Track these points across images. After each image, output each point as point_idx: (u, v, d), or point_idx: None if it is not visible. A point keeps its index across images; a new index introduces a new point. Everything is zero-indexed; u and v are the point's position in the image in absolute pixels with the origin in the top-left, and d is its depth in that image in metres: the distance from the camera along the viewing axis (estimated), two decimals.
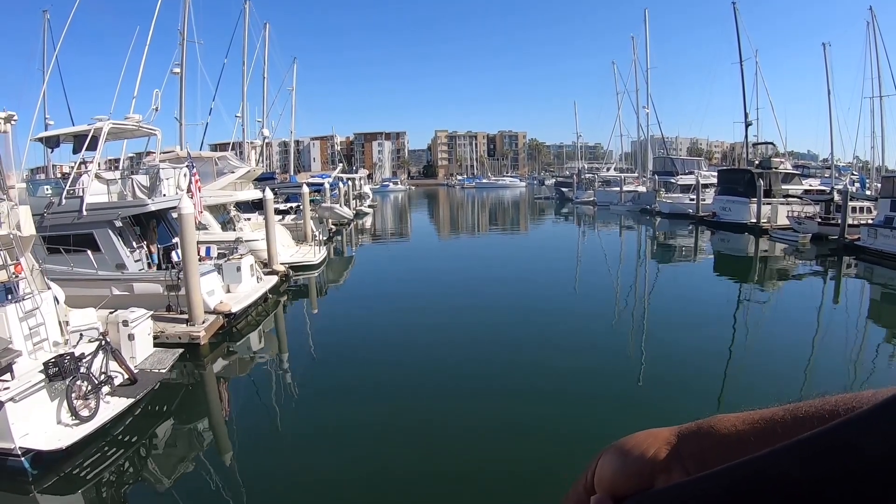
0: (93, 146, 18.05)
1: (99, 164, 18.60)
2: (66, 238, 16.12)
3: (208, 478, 9.01)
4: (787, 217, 36.84)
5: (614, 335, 16.47)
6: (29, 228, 12.20)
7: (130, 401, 11.01)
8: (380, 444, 9.73)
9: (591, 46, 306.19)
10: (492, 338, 15.81)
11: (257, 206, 29.24)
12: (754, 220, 39.43)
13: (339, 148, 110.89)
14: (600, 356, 14.25)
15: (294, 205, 36.49)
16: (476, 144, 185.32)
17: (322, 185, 46.67)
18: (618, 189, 66.13)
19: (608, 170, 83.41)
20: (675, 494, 0.49)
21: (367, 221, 57.86)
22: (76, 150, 18.42)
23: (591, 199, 71.82)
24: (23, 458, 8.70)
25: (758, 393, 10.82)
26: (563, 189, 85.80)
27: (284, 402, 12.34)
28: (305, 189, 33.96)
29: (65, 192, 16.88)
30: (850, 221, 31.96)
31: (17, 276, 11.44)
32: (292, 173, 59.15)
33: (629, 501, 0.54)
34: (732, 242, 37.47)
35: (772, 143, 51.63)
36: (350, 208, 50.21)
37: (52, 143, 19.76)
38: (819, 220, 34.68)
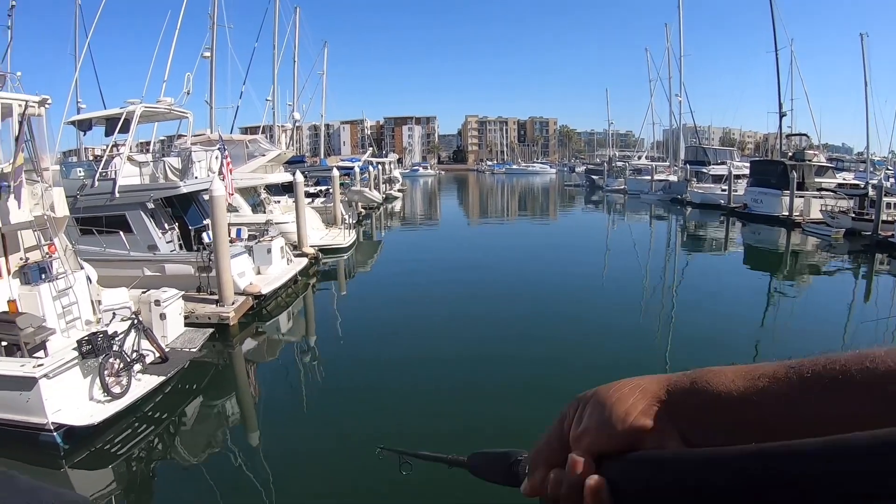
0: (125, 129, 18.25)
1: (130, 146, 18.81)
2: (98, 219, 16.36)
3: (235, 456, 9.11)
4: (821, 211, 35.88)
5: (641, 325, 16.25)
6: (62, 209, 12.38)
7: (161, 379, 11.15)
8: (406, 429, 9.73)
9: (625, 33, 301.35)
10: (520, 326, 15.70)
11: (287, 188, 29.41)
12: (786, 213, 38.36)
13: (369, 132, 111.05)
14: (627, 345, 14.05)
15: (324, 188, 36.66)
16: (506, 130, 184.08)
17: (352, 168, 46.73)
18: (649, 178, 65.10)
19: (639, 158, 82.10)
20: (674, 467, 0.44)
21: (397, 206, 57.89)
22: (108, 133, 18.64)
23: (622, 187, 70.77)
24: (55, 433, 8.87)
25: None
26: (594, 177, 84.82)
27: (311, 383, 12.43)
28: (336, 172, 34.03)
29: (97, 175, 17.11)
30: (884, 217, 30.62)
31: (50, 256, 11.66)
32: (322, 157, 59.34)
33: (616, 464, 0.48)
34: (764, 235, 36.62)
35: (806, 135, 50.13)
36: (379, 192, 50.28)
37: (84, 126, 20.05)
38: (853, 215, 33.63)
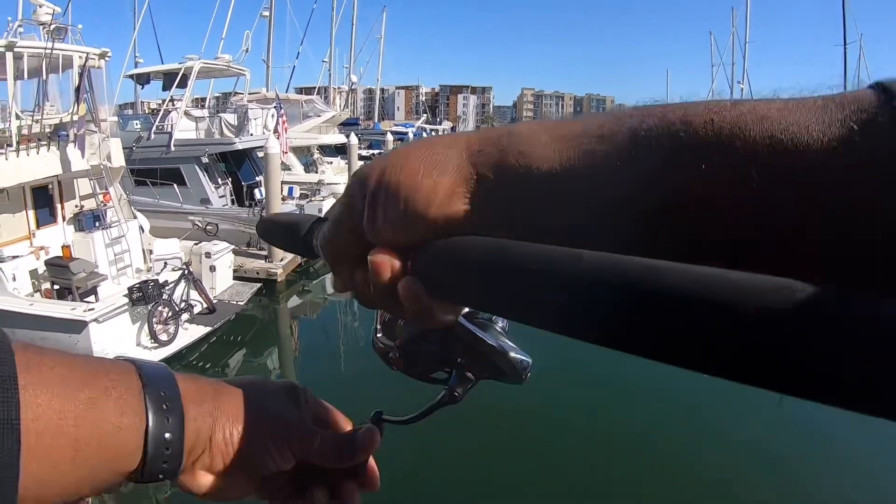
0: (182, 84, 18.50)
1: (187, 101, 19.05)
2: (153, 171, 16.65)
3: None
4: None
5: None
6: (118, 160, 12.66)
7: (207, 329, 11.36)
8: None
9: (689, 14, 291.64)
10: None
11: (340, 150, 29.47)
12: None
13: (423, 98, 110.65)
14: None
15: (377, 151, 36.60)
16: (562, 105, 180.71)
17: (405, 133, 46.67)
18: None
19: None
20: (488, 248, 0.37)
21: None
22: (166, 88, 18.94)
23: None
24: None
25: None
26: None
27: (352, 344, 12.46)
28: (389, 136, 34.04)
29: (154, 128, 17.39)
30: None
31: (105, 205, 11.92)
32: (376, 120, 59.44)
33: (427, 257, 0.40)
34: None
35: None
36: None
37: (142, 80, 20.43)
38: None
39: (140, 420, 0.47)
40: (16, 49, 11.29)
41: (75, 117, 11.53)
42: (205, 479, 0.53)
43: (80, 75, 11.87)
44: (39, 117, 11.43)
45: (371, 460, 0.62)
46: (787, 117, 0.29)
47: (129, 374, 0.50)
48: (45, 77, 12.08)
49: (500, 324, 0.57)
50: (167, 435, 0.48)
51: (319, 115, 27.98)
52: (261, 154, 17.21)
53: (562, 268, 0.32)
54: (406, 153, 0.42)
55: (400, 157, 0.42)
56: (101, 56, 12.92)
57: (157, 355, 9.87)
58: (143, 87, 21.14)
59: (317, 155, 28.13)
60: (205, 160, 17.53)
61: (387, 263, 0.42)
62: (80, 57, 12.21)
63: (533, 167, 0.36)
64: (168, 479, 0.50)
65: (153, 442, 0.47)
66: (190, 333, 10.99)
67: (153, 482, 0.49)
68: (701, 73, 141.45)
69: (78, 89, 11.80)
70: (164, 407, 0.48)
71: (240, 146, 18.22)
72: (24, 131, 10.97)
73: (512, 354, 0.52)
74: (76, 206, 11.94)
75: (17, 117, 10.93)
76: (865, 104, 0.27)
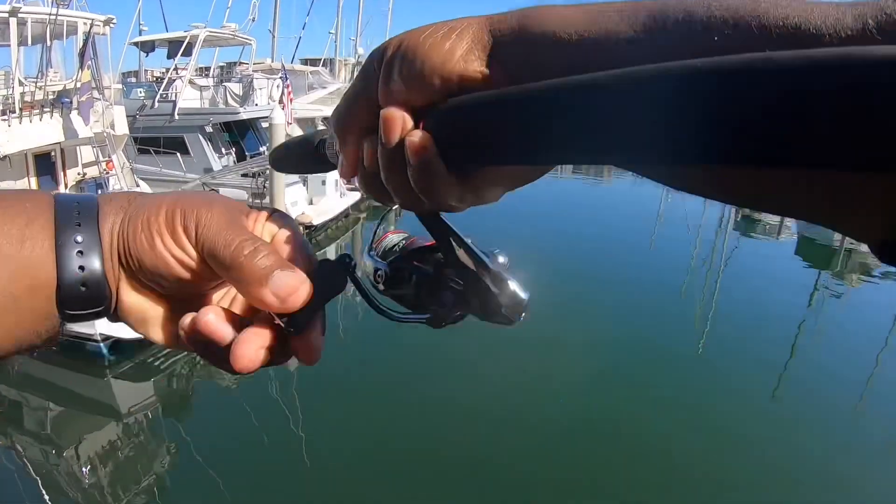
0: (187, 52, 18.39)
1: (192, 70, 18.97)
2: (156, 140, 16.64)
3: (273, 379, 9.31)
4: None
5: (681, 300, 15.58)
6: (122, 128, 12.67)
7: None
8: (447, 374, 9.72)
9: None
10: (557, 287, 15.38)
11: None
12: None
13: None
14: (663, 315, 13.61)
15: None
16: None
17: None
18: None
19: None
20: (510, 101, 0.34)
21: None
22: (171, 56, 18.82)
23: None
24: (101, 344, 9.16)
25: (817, 383, 10.35)
26: None
27: (352, 316, 12.52)
28: None
29: (158, 96, 17.33)
30: None
31: (108, 173, 11.96)
32: None
33: (438, 113, 0.39)
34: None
35: None
36: None
37: (147, 47, 20.28)
38: None
39: (48, 234, 0.43)
40: (20, 14, 11.26)
41: (79, 84, 11.50)
42: (134, 299, 0.47)
43: (85, 42, 11.80)
44: (43, 84, 11.42)
45: (316, 336, 0.47)
46: (805, 6, 0.29)
47: (42, 197, 0.46)
48: (48, 43, 12.03)
49: (502, 259, 0.54)
50: (78, 237, 0.43)
51: (325, 87, 27.76)
52: (265, 125, 17.17)
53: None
54: (426, 26, 0.42)
55: (419, 28, 0.42)
56: (106, 23, 12.88)
57: None
58: (147, 55, 20.98)
59: (321, 127, 27.95)
60: (209, 129, 17.50)
61: (398, 118, 0.40)
62: (85, 23, 12.17)
63: (549, 33, 0.36)
64: (100, 306, 0.45)
65: (62, 250, 0.43)
66: None
67: (85, 311, 0.44)
68: None
69: (82, 56, 11.74)
70: (77, 214, 0.44)
71: (244, 116, 18.19)
72: (27, 98, 10.97)
73: (511, 284, 0.50)
74: (79, 174, 11.98)
75: (20, 83, 10.91)
76: (885, 5, 0.26)
